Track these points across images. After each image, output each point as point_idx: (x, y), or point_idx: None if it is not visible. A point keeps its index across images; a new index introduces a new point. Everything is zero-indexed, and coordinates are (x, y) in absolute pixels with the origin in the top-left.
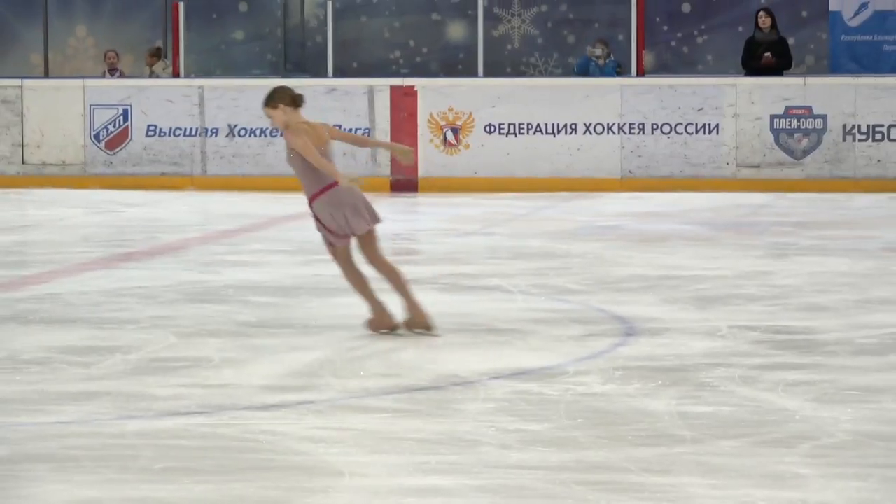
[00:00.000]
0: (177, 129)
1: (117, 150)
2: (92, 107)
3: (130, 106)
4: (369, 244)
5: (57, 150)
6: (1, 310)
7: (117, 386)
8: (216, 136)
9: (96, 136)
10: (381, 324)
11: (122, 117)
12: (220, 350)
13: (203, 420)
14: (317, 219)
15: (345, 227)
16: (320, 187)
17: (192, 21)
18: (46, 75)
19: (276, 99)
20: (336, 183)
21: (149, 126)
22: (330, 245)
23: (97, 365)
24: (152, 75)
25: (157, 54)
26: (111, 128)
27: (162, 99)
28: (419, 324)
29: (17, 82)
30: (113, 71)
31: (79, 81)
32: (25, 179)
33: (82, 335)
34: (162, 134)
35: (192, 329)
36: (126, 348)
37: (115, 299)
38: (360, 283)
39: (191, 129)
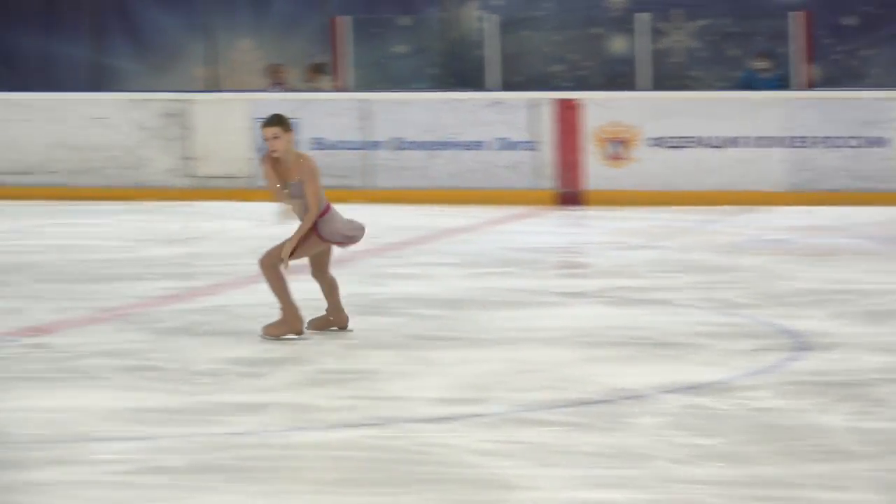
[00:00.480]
0: (342, 142)
1: None
2: (257, 120)
3: (296, 120)
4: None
5: (223, 163)
6: (171, 321)
7: (287, 397)
8: (382, 149)
9: (261, 150)
10: (295, 327)
11: None
12: (388, 362)
13: (373, 432)
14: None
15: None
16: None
17: (354, 35)
18: (211, 89)
19: (286, 124)
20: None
21: (315, 139)
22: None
23: (267, 376)
24: (315, 90)
25: (318, 70)
26: None
27: (327, 113)
28: (339, 324)
29: (183, 96)
30: (277, 84)
31: (243, 95)
32: (193, 192)
33: (252, 347)
34: (328, 147)
35: (360, 341)
36: (296, 360)
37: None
38: (285, 287)
39: (356, 142)
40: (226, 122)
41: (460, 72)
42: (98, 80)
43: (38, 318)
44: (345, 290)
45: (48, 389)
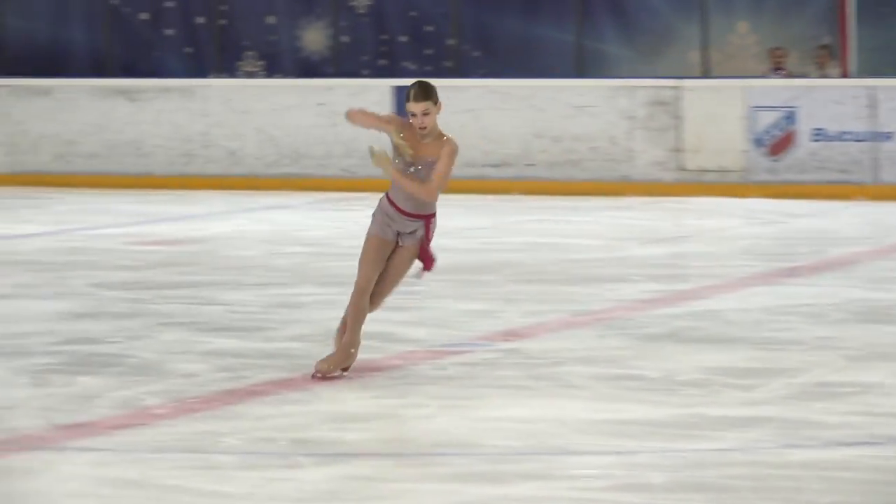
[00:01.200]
0: (845, 133)
1: (781, 155)
2: (753, 109)
3: (796, 108)
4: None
5: (715, 155)
6: (656, 327)
7: (780, 412)
8: (890, 140)
9: (758, 141)
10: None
11: (786, 120)
12: (892, 375)
13: (873, 451)
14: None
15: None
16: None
17: (861, 16)
18: (704, 75)
19: (436, 96)
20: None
21: (815, 130)
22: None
23: (759, 388)
24: (822, 75)
25: (826, 52)
26: (775, 132)
27: (830, 101)
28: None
29: (674, 83)
30: (778, 70)
31: (739, 81)
32: (683, 187)
33: (743, 356)
34: (830, 139)
35: (861, 352)
36: (790, 371)
37: (778, 318)
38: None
39: (861, 133)
40: (719, 110)
41: None
42: (581, 66)
43: (512, 322)
44: (845, 295)
45: (523, 398)
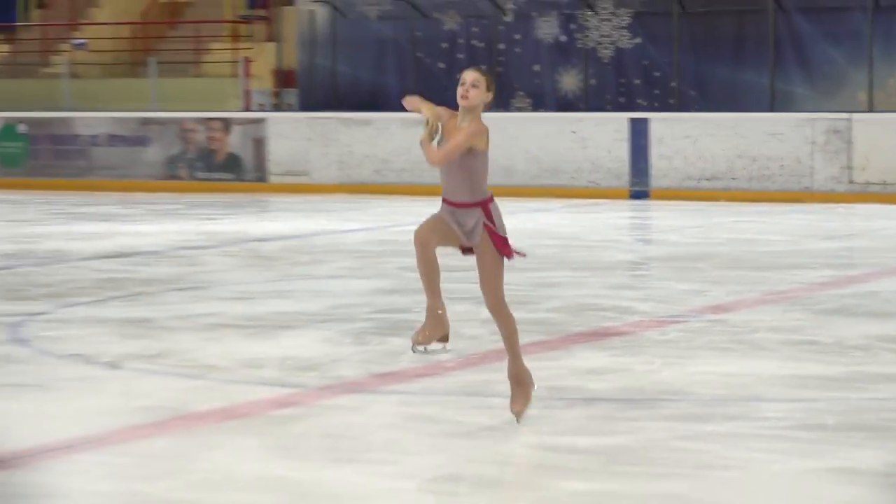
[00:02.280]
0: None
1: None
2: None
3: None
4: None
5: (879, 171)
6: (829, 303)
7: None
8: None
9: None
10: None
11: None
12: None
13: None
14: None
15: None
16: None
17: None
18: (871, 110)
19: (491, 80)
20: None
21: None
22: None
23: None
24: None
25: None
26: None
27: None
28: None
29: (846, 115)
30: None
31: None
32: (853, 196)
33: None
34: None
35: None
36: None
37: None
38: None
39: None
40: (882, 137)
41: None
42: (774, 103)
43: (718, 299)
44: None
45: (725, 357)
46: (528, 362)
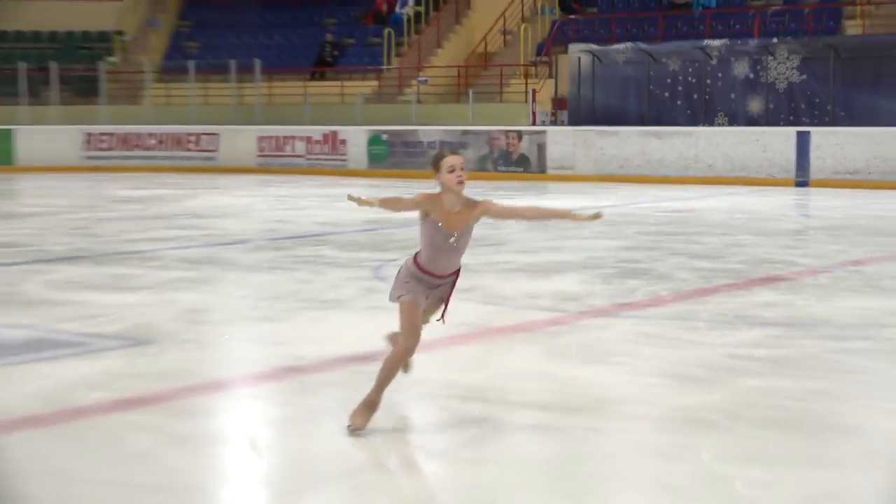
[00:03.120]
0: None
1: None
2: None
3: None
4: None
5: None
6: None
7: None
8: None
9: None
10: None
11: None
12: None
13: None
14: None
15: None
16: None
17: None
18: None
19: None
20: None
21: None
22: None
23: None
24: None
25: None
26: None
27: None
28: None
29: None
30: None
31: None
32: None
33: None
34: None
35: None
36: None
37: None
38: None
39: None
40: None
41: None
42: None
43: (857, 256)
44: None
45: (860, 297)
46: (722, 297)
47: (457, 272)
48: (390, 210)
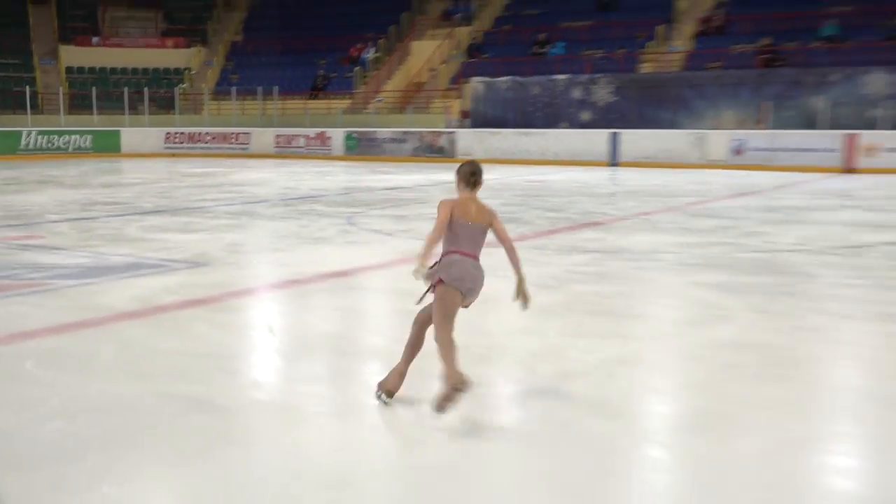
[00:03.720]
0: None
1: None
2: None
3: None
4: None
5: None
6: None
7: None
8: None
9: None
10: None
11: None
12: None
13: None
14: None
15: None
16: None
17: None
18: None
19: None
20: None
21: None
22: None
23: None
24: None
25: None
26: None
27: None
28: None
29: None
30: None
31: None
32: None
33: None
34: None
35: None
36: None
37: None
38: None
39: None
40: None
41: None
42: None
43: (646, 209)
44: None
45: (650, 235)
46: (563, 236)
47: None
48: (435, 244)
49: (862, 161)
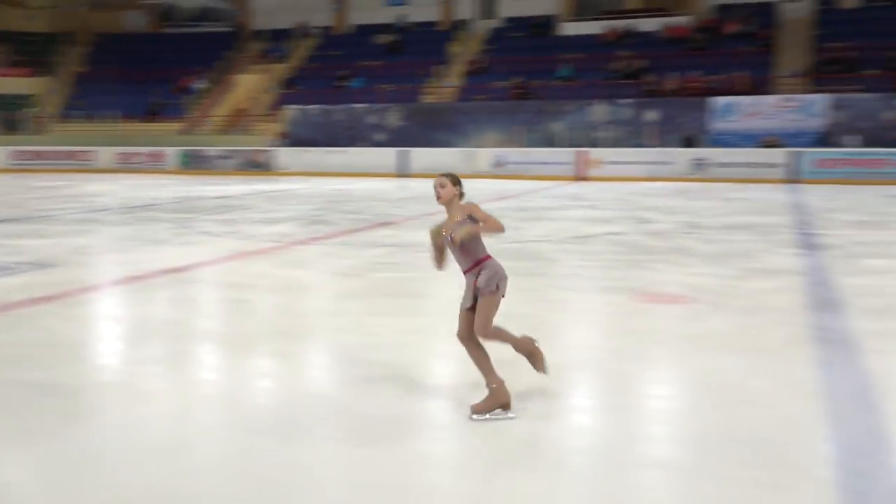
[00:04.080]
0: None
1: None
2: None
3: None
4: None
5: None
6: None
7: None
8: None
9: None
10: (502, 401)
11: None
12: None
13: None
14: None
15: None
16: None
17: None
18: None
19: (455, 178)
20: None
21: None
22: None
23: None
24: None
25: None
26: None
27: None
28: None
29: None
30: None
31: None
32: None
33: None
34: None
35: None
36: None
37: None
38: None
39: None
40: None
41: None
42: None
43: (427, 211)
44: None
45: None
46: (362, 234)
47: (474, 265)
48: (442, 251)
49: (590, 171)
